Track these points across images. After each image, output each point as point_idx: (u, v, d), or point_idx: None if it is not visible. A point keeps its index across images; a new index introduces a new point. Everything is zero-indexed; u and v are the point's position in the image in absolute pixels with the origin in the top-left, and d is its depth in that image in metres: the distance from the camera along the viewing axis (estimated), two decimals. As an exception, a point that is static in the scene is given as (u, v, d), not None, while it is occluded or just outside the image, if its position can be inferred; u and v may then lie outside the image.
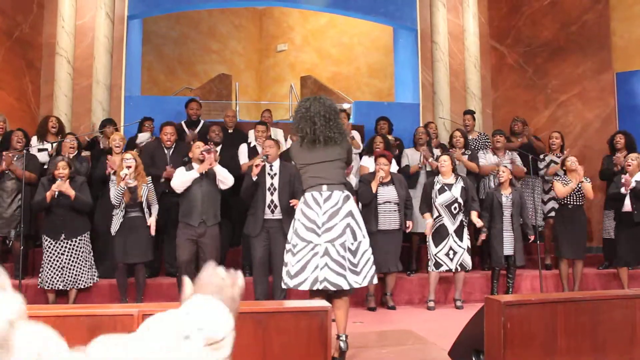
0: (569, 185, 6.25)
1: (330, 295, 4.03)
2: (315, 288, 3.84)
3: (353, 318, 4.28)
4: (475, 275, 6.65)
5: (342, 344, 3.91)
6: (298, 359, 2.85)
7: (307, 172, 4.03)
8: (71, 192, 5.55)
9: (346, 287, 3.85)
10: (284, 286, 4.04)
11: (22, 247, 5.73)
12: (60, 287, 5.62)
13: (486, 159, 7.00)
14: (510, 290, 6.35)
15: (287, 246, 4.02)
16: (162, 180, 6.12)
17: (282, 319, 2.88)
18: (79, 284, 5.66)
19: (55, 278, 5.59)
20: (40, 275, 5.66)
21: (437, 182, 6.04)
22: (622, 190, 6.10)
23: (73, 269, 5.62)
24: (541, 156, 7.27)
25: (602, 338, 3.25)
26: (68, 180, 5.56)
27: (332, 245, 3.83)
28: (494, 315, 3.16)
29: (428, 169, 6.76)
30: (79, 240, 5.67)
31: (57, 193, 5.51)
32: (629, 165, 6.15)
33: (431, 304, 6.05)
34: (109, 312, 2.82)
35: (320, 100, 4.02)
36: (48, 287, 5.60)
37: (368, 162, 6.54)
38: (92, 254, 5.83)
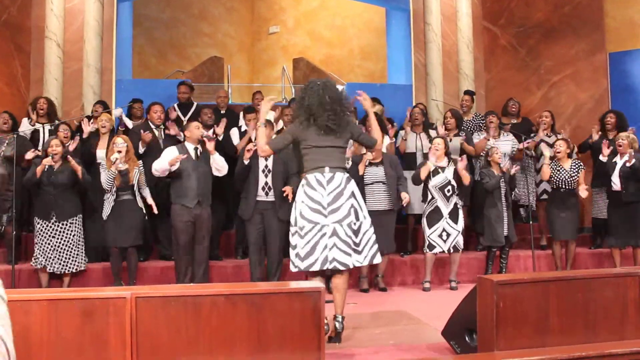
0: (545, 163, 6.28)
1: (329, 276, 4.07)
2: (325, 268, 3.90)
3: (346, 300, 4.29)
4: (469, 256, 6.68)
5: (337, 325, 3.96)
6: (292, 340, 2.86)
7: (310, 154, 4.04)
8: (78, 167, 5.56)
9: (351, 266, 3.95)
10: (294, 269, 4.05)
11: (14, 232, 5.71)
12: (54, 270, 5.60)
13: (479, 139, 7.00)
14: (504, 270, 6.38)
15: (292, 229, 4.06)
16: (142, 149, 6.11)
17: (275, 300, 2.89)
18: (70, 267, 5.64)
19: (48, 260, 5.58)
20: (33, 257, 5.63)
21: (432, 164, 6.04)
22: (601, 157, 6.20)
23: (64, 252, 5.60)
24: (531, 135, 7.26)
25: (593, 316, 3.27)
26: (60, 160, 5.56)
27: (340, 225, 3.91)
28: (487, 295, 3.18)
29: (425, 151, 6.75)
30: (70, 223, 5.64)
31: (53, 173, 5.50)
32: (620, 146, 6.15)
33: (427, 285, 6.07)
34: (101, 296, 2.81)
35: (330, 87, 4.02)
36: (41, 265, 5.57)
37: None
38: (83, 238, 5.79)
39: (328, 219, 3.90)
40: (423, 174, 5.94)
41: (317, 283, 3.19)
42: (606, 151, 6.25)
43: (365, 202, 5.76)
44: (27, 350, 2.67)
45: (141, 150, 6.11)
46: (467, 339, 3.54)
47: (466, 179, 5.95)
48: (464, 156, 6.18)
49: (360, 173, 5.81)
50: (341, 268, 3.91)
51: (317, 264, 3.89)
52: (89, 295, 2.83)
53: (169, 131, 6.20)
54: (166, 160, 5.43)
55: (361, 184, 5.83)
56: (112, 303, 2.75)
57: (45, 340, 2.68)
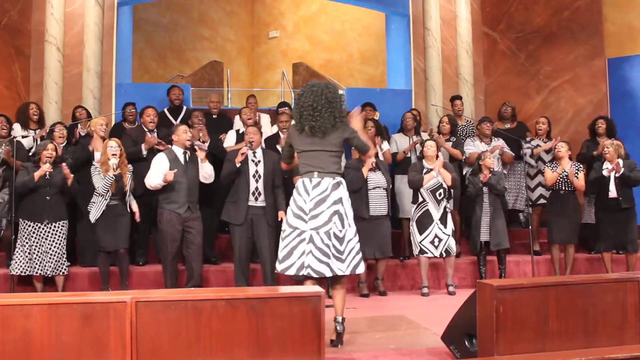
0: (556, 171, 6.28)
1: (324, 280, 4.07)
2: (300, 274, 3.92)
3: (346, 304, 4.29)
4: (466, 260, 6.68)
5: (338, 327, 3.95)
6: (292, 345, 2.86)
7: (302, 158, 4.06)
8: (70, 176, 5.57)
9: (329, 274, 3.92)
10: (277, 270, 4.09)
11: (13, 237, 5.68)
12: (39, 273, 5.51)
13: (475, 146, 6.88)
14: (503, 276, 6.37)
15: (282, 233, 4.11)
16: (145, 152, 6.12)
17: (275, 305, 2.89)
18: (54, 271, 5.56)
19: (34, 263, 5.49)
20: (13, 261, 5.52)
21: (424, 167, 6.05)
22: (605, 172, 6.14)
23: (54, 255, 5.54)
24: (527, 138, 7.25)
25: (593, 321, 3.28)
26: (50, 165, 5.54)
27: (316, 233, 3.89)
28: (487, 300, 3.18)
29: (418, 154, 6.75)
30: (62, 226, 5.62)
31: (47, 174, 5.48)
32: (607, 153, 6.17)
33: (425, 290, 6.06)
34: (101, 300, 2.81)
35: (314, 88, 4.00)
36: (20, 272, 5.48)
37: None
38: (65, 244, 5.72)
39: (307, 224, 3.91)
40: (426, 181, 5.94)
41: (317, 288, 3.19)
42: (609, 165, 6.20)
43: (369, 208, 5.81)
44: (28, 354, 2.67)
45: (144, 152, 6.13)
46: (467, 343, 3.54)
47: (447, 178, 5.93)
48: (440, 157, 6.13)
49: (365, 176, 5.83)
50: (314, 276, 3.88)
51: (293, 268, 3.92)
52: (90, 299, 2.83)
53: (158, 147, 6.16)
54: (159, 175, 5.41)
55: (365, 189, 5.84)
56: (113, 307, 2.75)
57: (45, 344, 2.68)
